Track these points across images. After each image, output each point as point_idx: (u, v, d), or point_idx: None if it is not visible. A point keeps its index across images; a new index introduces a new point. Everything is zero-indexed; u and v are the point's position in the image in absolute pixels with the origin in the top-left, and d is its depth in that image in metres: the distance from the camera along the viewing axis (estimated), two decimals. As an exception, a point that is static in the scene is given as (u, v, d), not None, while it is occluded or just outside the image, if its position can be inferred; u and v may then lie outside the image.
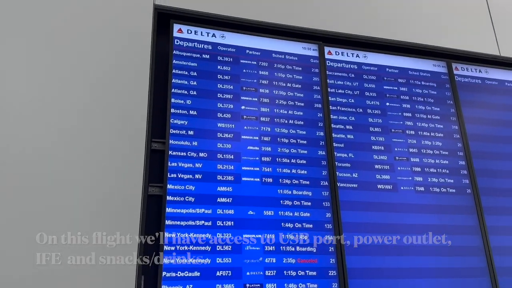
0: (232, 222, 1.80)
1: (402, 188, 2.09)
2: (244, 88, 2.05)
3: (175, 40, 2.03)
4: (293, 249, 1.83)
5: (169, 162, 1.81)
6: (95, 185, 1.65)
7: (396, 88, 2.31)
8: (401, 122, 2.23)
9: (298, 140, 2.04)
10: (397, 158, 2.15)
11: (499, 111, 2.43)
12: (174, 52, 2.00)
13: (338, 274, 1.84)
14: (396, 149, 2.16)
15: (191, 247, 1.72)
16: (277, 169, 1.95)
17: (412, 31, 2.42)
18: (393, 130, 2.20)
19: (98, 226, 1.60)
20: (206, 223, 1.77)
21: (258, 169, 1.92)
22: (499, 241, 2.12)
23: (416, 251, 1.99)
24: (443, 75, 2.42)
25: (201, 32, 2.10)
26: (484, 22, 2.62)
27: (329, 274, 1.84)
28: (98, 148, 1.70)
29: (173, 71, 1.97)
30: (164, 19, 2.07)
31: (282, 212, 1.88)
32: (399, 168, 2.13)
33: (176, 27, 2.05)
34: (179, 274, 1.67)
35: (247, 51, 2.13)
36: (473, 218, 2.13)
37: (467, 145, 2.26)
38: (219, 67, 2.05)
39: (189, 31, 2.07)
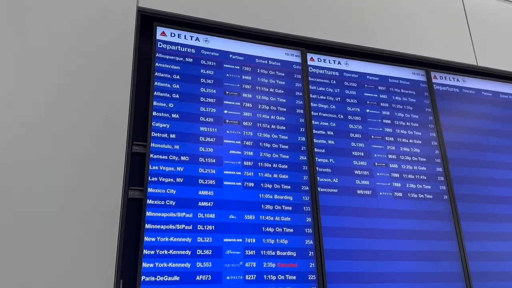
0: (213, 226, 1.80)
1: (381, 193, 2.13)
2: (227, 92, 2.06)
3: (158, 43, 2.02)
4: (274, 253, 1.84)
5: (150, 165, 1.80)
6: (74, 186, 1.63)
7: (376, 95, 2.35)
8: (381, 129, 2.27)
9: (280, 145, 2.06)
10: (376, 164, 2.18)
11: (475, 119, 2.50)
12: (157, 55, 2.00)
13: (317, 278, 1.86)
14: (375, 155, 2.20)
15: (171, 251, 1.71)
16: (259, 173, 1.96)
17: (393, 39, 2.48)
18: (372, 136, 2.24)
19: (77, 228, 1.58)
20: (186, 227, 1.76)
21: (240, 173, 1.92)
22: (474, 246, 2.18)
23: (394, 256, 2.03)
24: (422, 83, 2.48)
25: (185, 35, 2.10)
26: (462, 32, 2.69)
27: (309, 278, 1.86)
28: (77, 150, 1.68)
29: (156, 73, 1.96)
30: (147, 22, 2.06)
31: (263, 217, 1.89)
32: (378, 174, 2.16)
33: (159, 30, 2.05)
34: (158, 278, 1.66)
35: (231, 55, 2.14)
36: (450, 224, 2.18)
37: (444, 152, 2.32)
38: (202, 71, 2.06)
39: (173, 34, 2.07)
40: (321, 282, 1.85)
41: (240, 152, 1.96)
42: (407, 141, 2.29)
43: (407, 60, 2.49)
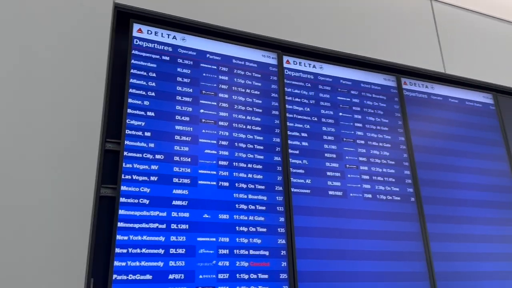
0: (187, 225, 1.80)
1: (351, 194, 2.19)
2: (204, 91, 2.07)
3: (135, 39, 2.01)
4: (247, 252, 1.86)
5: (124, 163, 1.78)
6: (46, 184, 1.60)
7: (349, 99, 2.41)
8: (352, 132, 2.34)
9: (255, 145, 2.08)
10: (347, 166, 2.24)
11: (442, 125, 2.60)
12: (133, 52, 1.98)
13: (289, 277, 1.89)
14: (346, 157, 2.26)
15: (144, 250, 1.70)
16: (234, 173, 1.97)
17: (366, 46, 2.55)
18: (344, 139, 2.30)
19: (48, 225, 1.55)
20: (160, 226, 1.76)
21: (215, 172, 1.93)
22: (439, 247, 2.27)
23: (362, 255, 2.09)
24: (392, 89, 2.56)
25: (162, 33, 2.09)
26: (432, 41, 2.80)
27: (281, 277, 1.89)
28: (49, 146, 1.65)
29: (131, 71, 1.95)
30: (124, 18, 2.04)
31: (237, 216, 1.91)
32: (349, 176, 2.22)
33: (136, 26, 2.03)
34: (131, 277, 1.65)
35: (208, 55, 2.15)
36: (416, 225, 2.26)
37: (412, 155, 2.41)
38: (179, 69, 2.05)
39: (149, 32, 2.06)
40: (292, 281, 1.88)
41: (215, 152, 1.97)
42: (377, 144, 2.36)
43: (379, 66, 2.57)
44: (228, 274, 1.80)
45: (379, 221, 2.20)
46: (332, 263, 2.01)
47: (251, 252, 1.88)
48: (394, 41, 2.67)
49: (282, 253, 1.94)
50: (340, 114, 2.36)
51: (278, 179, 2.06)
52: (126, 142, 1.82)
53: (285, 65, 2.33)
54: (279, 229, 1.98)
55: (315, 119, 2.28)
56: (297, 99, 2.29)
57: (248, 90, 2.18)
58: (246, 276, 1.83)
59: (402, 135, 2.46)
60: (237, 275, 1.81)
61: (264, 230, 1.95)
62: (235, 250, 1.85)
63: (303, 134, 2.21)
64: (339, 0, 2.60)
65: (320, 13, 2.52)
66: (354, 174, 2.24)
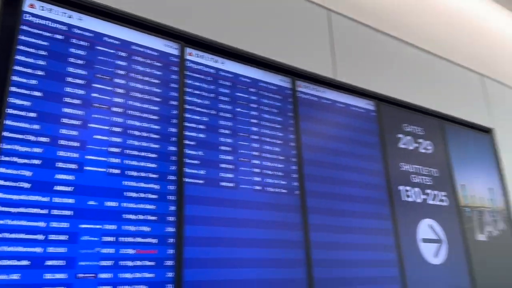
0: (72, 212, 1.76)
1: (242, 186, 2.31)
2: (98, 75, 2.02)
3: (25, 14, 1.89)
4: (133, 240, 1.88)
5: (3, 144, 1.68)
6: None
7: (247, 96, 2.53)
8: (248, 127, 2.46)
9: (150, 134, 2.09)
10: (240, 159, 2.36)
11: (329, 126, 2.86)
12: (22, 27, 1.86)
13: (175, 264, 1.95)
14: (240, 151, 2.38)
15: (21, 235, 1.63)
16: (125, 160, 1.97)
17: (266, 47, 2.69)
18: (240, 133, 2.41)
19: None
20: (41, 211, 1.69)
21: (104, 159, 1.91)
22: (318, 237, 2.50)
23: (249, 243, 2.23)
24: (287, 90, 2.74)
25: (57, 11, 1.99)
26: (326, 49, 3.05)
27: (166, 264, 1.94)
28: None
29: (19, 47, 1.83)
30: (13, -11, 1.90)
31: (125, 204, 1.91)
32: (241, 168, 2.34)
33: (28, 1, 1.91)
34: (6, 262, 1.57)
35: (105, 38, 2.10)
36: (298, 216, 2.47)
37: (300, 153, 2.61)
38: (72, 50, 1.98)
39: (43, 8, 1.95)
40: (178, 267, 1.94)
41: (106, 138, 1.94)
42: (269, 140, 2.52)
43: (278, 68, 2.73)
44: (112, 261, 1.80)
45: (266, 211, 2.36)
46: (221, 250, 2.12)
47: (138, 239, 1.90)
48: (292, 46, 2.85)
49: (170, 241, 1.99)
50: (238, 109, 2.46)
51: (171, 168, 2.10)
52: (7, 122, 1.71)
53: (187, 56, 2.37)
54: (169, 217, 2.02)
55: (214, 112, 2.36)
56: (197, 92, 2.34)
57: (146, 78, 2.18)
58: (131, 263, 1.84)
59: (293, 133, 2.65)
60: (122, 262, 1.82)
61: (154, 218, 1.98)
62: (121, 238, 1.85)
63: (200, 126, 2.28)
64: None
65: (226, 9, 2.59)
66: (246, 167, 2.37)
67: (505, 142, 4.02)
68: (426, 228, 3.05)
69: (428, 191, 3.19)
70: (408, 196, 3.05)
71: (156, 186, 2.03)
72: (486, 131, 3.94)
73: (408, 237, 2.92)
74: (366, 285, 2.58)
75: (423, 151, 3.32)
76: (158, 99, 2.18)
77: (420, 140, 3.34)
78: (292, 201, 2.48)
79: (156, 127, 2.12)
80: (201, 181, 2.18)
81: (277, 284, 2.24)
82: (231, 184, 2.28)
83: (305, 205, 2.51)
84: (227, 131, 2.37)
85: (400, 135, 3.23)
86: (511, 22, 4.85)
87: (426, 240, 3.00)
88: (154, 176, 2.04)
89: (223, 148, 2.32)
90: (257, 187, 2.37)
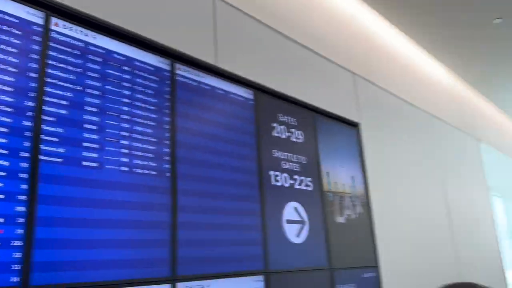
0: None
1: (107, 166, 2.27)
2: None
3: None
4: (-28, 219, 1.74)
5: None
6: None
7: (119, 74, 2.46)
8: (118, 106, 2.41)
9: (3, 106, 1.94)
10: (107, 138, 2.31)
11: (207, 112, 2.92)
12: None
13: (24, 244, 1.86)
14: (108, 130, 2.32)
15: None
16: (-34, 133, 1.80)
17: (145, 25, 2.64)
18: (109, 112, 2.35)
19: None
20: None
21: None
22: (185, 217, 2.56)
23: (113, 224, 2.20)
24: (165, 72, 2.73)
25: None
26: (209, 34, 3.09)
27: (13, 244, 1.84)
28: None
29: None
30: None
31: (-36, 180, 1.75)
32: (107, 148, 2.29)
33: None
34: None
35: (-51, -4, 1.87)
36: (167, 198, 2.50)
37: (174, 136, 2.64)
38: None
39: None
40: (27, 248, 1.85)
41: None
42: (142, 121, 2.50)
43: (156, 49, 2.69)
44: None
45: (133, 192, 2.35)
46: (77, 231, 2.06)
47: (-21, 219, 1.76)
48: (174, 29, 2.84)
49: (19, 221, 1.88)
50: (108, 87, 2.39)
51: (25, 144, 1.97)
52: None
53: (52, 27, 2.22)
54: (19, 196, 1.91)
55: (79, 88, 2.26)
56: (61, 65, 2.21)
57: (2, 46, 2.00)
58: (-32, 244, 1.71)
59: (168, 116, 2.66)
60: (-44, 243, 1.68)
61: (2, 196, 1.85)
62: (-43, 217, 1.70)
63: (62, 102, 2.17)
64: (123, -26, 2.61)
65: (100, -18, 2.48)
66: (114, 147, 2.32)
67: (369, 135, 4.52)
68: (291, 210, 3.32)
69: (296, 176, 3.47)
70: (277, 181, 3.27)
71: (6, 163, 1.89)
72: (354, 125, 4.38)
73: (274, 218, 3.15)
74: (230, 263, 2.74)
75: (294, 140, 3.58)
76: (14, 70, 2.02)
77: (293, 130, 3.60)
78: (163, 183, 2.50)
79: (10, 99, 1.97)
80: (59, 159, 2.08)
81: (138, 264, 2.26)
82: (94, 164, 2.22)
83: (175, 187, 2.55)
84: (93, 109, 2.29)
85: (274, 124, 3.44)
86: (384, 27, 5.41)
87: (290, 221, 3.26)
88: (4, 152, 1.90)
89: (87, 126, 2.24)
90: (125, 168, 2.34)
